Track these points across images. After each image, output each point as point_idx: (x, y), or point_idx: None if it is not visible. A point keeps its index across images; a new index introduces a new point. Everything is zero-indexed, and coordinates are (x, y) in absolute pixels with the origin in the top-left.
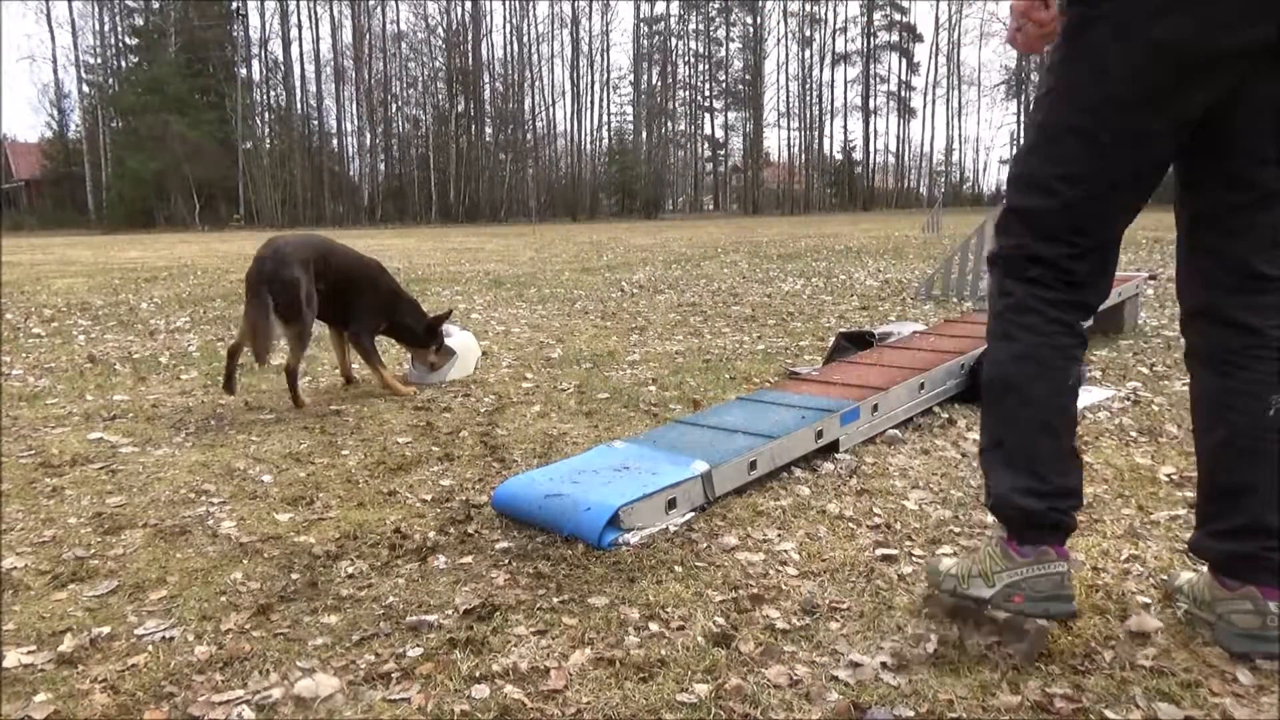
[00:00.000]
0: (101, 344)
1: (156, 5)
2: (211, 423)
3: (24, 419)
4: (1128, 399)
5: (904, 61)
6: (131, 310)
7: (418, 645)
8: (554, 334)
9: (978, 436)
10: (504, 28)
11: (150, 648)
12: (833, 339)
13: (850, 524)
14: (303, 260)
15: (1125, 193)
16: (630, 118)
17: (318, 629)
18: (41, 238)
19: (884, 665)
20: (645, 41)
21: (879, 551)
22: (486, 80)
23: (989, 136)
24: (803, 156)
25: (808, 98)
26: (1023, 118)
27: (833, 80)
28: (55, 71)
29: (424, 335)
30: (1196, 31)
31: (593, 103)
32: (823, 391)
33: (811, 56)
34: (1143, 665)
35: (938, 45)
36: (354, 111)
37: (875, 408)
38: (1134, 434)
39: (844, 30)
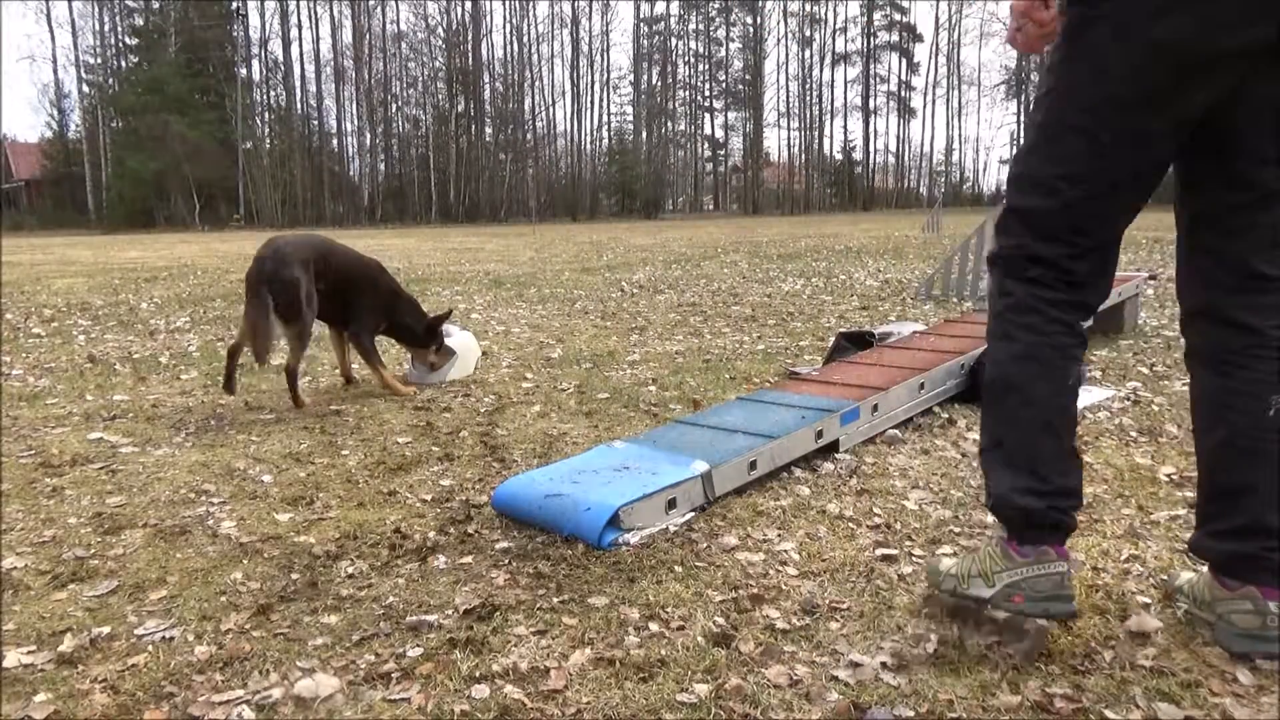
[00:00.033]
0: (101, 344)
1: (156, 5)
2: (211, 423)
3: (24, 419)
4: (1128, 399)
5: (904, 61)
6: (131, 310)
7: (418, 645)
8: (554, 334)
9: (978, 436)
10: (504, 28)
11: (150, 648)
12: (833, 339)
13: (850, 524)
14: (302, 260)
15: (1125, 193)
16: (630, 118)
17: (318, 629)
18: (41, 238)
19: (884, 665)
20: (645, 41)
21: (879, 551)
22: (486, 80)
23: (989, 136)
24: (803, 156)
25: (808, 98)
26: (1023, 118)
27: (833, 80)
28: (55, 71)
29: (424, 335)
30: (1197, 31)
31: (593, 103)
32: (823, 391)
33: (811, 56)
34: (1143, 665)
35: (938, 45)
36: (354, 111)
37: (875, 408)
38: (1134, 434)
39: (844, 30)
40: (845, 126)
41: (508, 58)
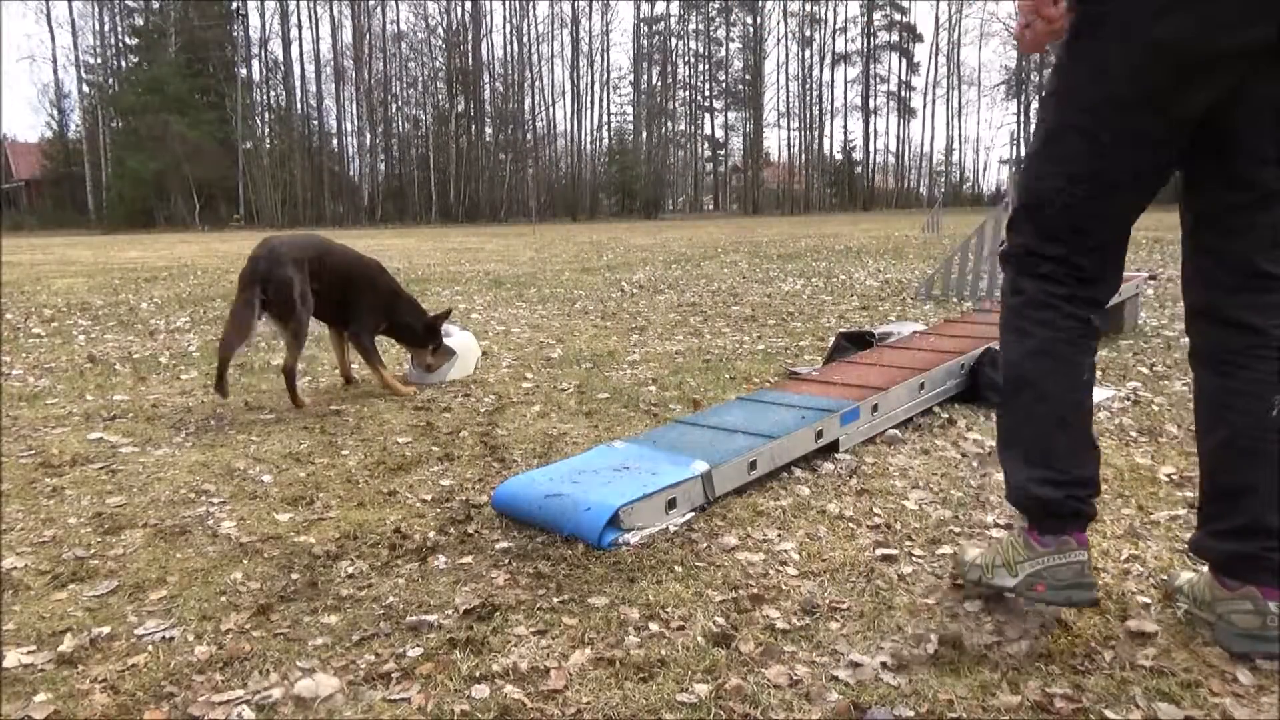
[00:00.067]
0: (101, 344)
1: (156, 5)
2: (211, 423)
3: (24, 419)
4: (1128, 399)
5: (904, 61)
6: (131, 310)
7: (418, 645)
8: (554, 334)
9: (978, 436)
10: (504, 28)
11: (150, 648)
12: (833, 339)
13: (850, 524)
14: (296, 260)
15: (1126, 194)
16: (630, 118)
17: (318, 629)
18: (41, 238)
19: (884, 665)
20: (645, 41)
21: (879, 551)
22: (486, 80)
23: (989, 136)
24: (803, 156)
25: (808, 98)
26: (1023, 118)
27: (833, 80)
28: (55, 71)
29: (423, 334)
30: (1198, 30)
31: (593, 103)
32: (823, 391)
33: (811, 56)
34: (1143, 665)
35: (938, 45)
36: (354, 111)
37: (875, 408)
38: (1134, 434)
39: (844, 30)
40: (845, 126)
41: (508, 58)
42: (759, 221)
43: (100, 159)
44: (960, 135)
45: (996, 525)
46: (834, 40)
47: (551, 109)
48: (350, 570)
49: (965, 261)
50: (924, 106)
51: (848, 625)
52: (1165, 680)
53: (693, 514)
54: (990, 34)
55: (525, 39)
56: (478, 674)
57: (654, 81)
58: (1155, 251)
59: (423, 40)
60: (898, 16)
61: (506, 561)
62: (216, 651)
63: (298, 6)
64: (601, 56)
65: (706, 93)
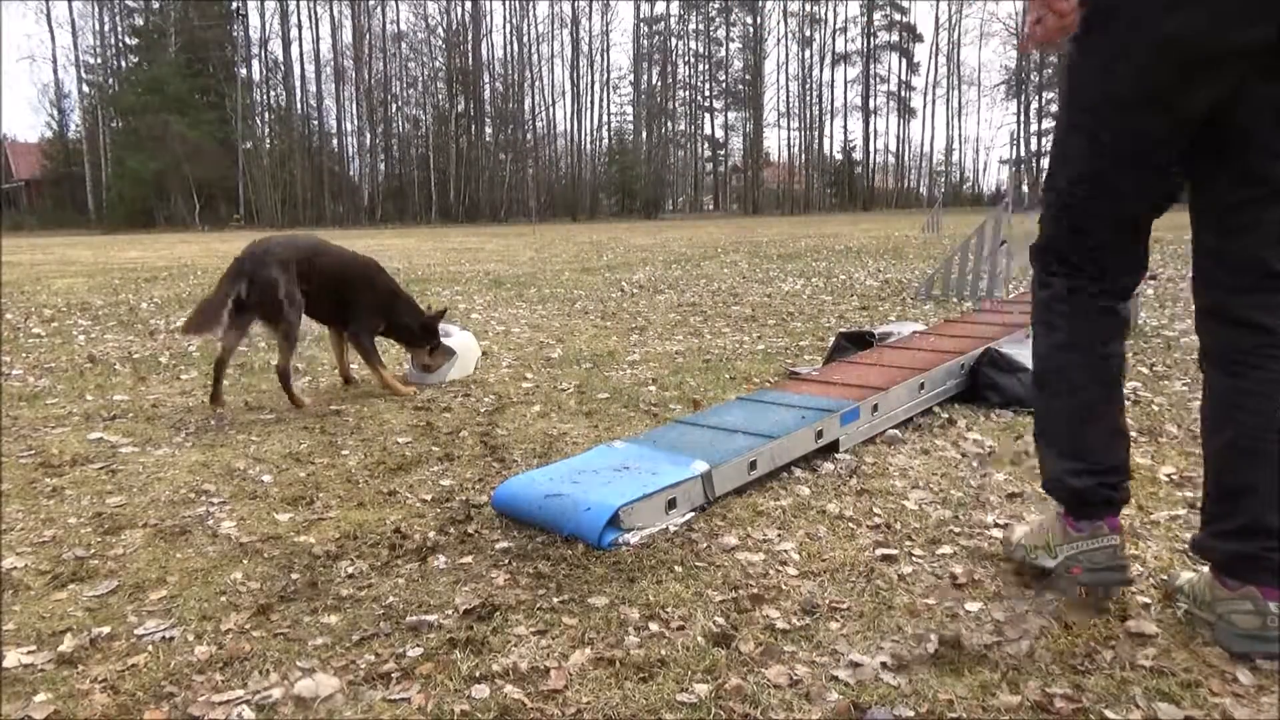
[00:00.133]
0: (101, 344)
1: (156, 5)
2: (211, 423)
3: (24, 419)
4: (1128, 399)
5: (904, 61)
6: (131, 310)
7: (418, 645)
8: (554, 334)
9: (978, 436)
10: (504, 28)
11: (150, 648)
12: (833, 339)
13: (850, 524)
14: (282, 261)
15: (1127, 195)
16: (630, 118)
17: (318, 629)
18: (41, 238)
19: (884, 665)
20: (645, 41)
21: (879, 551)
22: (486, 80)
23: (989, 136)
24: (803, 156)
25: (808, 98)
26: (1023, 118)
27: (833, 80)
28: (55, 71)
29: (421, 333)
30: (1209, 25)
31: (593, 103)
32: (823, 391)
33: (811, 56)
34: (1143, 665)
35: (938, 45)
36: (354, 111)
37: (875, 408)
38: (1134, 434)
39: (844, 30)
40: (845, 126)
41: (508, 58)
42: (759, 221)
43: (100, 159)
44: (960, 135)
45: (996, 525)
46: (834, 40)
47: (551, 109)
48: (350, 570)
49: (965, 261)
50: (924, 106)
51: (848, 625)
52: (1165, 680)
53: (693, 514)
54: (990, 34)
55: (525, 39)
56: (478, 674)
57: (654, 81)
58: (1155, 251)
59: (423, 40)
60: (898, 16)
61: (506, 561)
62: (216, 651)
63: (298, 6)
64: (601, 56)
65: (706, 93)
